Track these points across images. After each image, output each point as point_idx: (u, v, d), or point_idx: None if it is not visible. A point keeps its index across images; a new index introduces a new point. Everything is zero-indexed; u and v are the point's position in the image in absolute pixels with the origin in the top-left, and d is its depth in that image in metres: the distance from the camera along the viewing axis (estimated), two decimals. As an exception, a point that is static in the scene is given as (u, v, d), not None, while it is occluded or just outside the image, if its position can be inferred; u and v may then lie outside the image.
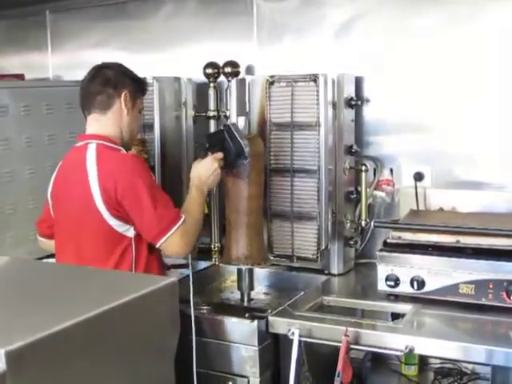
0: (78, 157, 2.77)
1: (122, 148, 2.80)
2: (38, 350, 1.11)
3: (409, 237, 2.83)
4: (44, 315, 1.25)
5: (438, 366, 3.13)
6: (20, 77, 4.05)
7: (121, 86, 2.80)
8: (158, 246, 2.67)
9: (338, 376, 2.46)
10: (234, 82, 3.32)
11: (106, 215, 2.65)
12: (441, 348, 2.46)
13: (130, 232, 2.70)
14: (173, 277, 1.45)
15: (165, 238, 2.63)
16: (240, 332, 2.69)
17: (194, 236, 2.73)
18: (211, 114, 3.49)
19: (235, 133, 2.87)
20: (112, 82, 2.80)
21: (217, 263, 3.47)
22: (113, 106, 2.80)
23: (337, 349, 2.51)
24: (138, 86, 2.89)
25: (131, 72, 2.89)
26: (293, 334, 2.58)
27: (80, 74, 3.85)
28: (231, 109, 3.33)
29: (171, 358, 1.38)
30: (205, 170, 2.83)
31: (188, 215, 2.71)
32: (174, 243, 2.65)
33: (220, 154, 2.85)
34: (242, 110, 3.27)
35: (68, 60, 4.24)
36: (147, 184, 2.68)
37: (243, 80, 3.34)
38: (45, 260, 3.12)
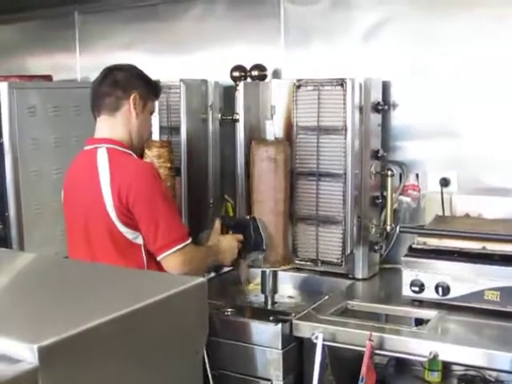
0: (88, 161, 2.76)
1: (132, 152, 2.78)
2: (69, 346, 1.13)
3: (434, 242, 2.81)
4: (75, 312, 1.27)
5: (462, 372, 3.10)
6: (48, 78, 4.08)
7: (130, 88, 2.78)
8: (158, 259, 2.68)
9: (362, 381, 2.46)
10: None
11: (116, 221, 2.65)
12: (465, 354, 2.44)
13: (140, 239, 2.69)
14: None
15: (165, 253, 2.65)
16: (264, 335, 2.69)
17: (195, 264, 2.74)
18: (237, 117, 3.49)
19: (259, 226, 3.02)
20: (121, 83, 2.78)
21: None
22: (121, 107, 2.78)
23: (360, 353, 2.50)
24: (149, 89, 2.87)
25: (143, 74, 2.88)
26: (317, 337, 2.58)
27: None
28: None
29: (199, 358, 1.39)
30: (225, 243, 2.99)
31: (198, 250, 2.82)
32: (172, 261, 2.67)
33: (240, 236, 3.02)
34: (269, 114, 3.28)
35: (96, 61, 4.23)
36: (161, 195, 2.69)
37: (269, 83, 3.36)
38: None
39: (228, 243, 2.99)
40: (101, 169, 2.68)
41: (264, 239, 3.00)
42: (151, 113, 2.95)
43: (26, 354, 1.09)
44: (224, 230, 3.07)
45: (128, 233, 2.67)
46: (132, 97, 2.77)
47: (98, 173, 2.67)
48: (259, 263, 3.07)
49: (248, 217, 3.08)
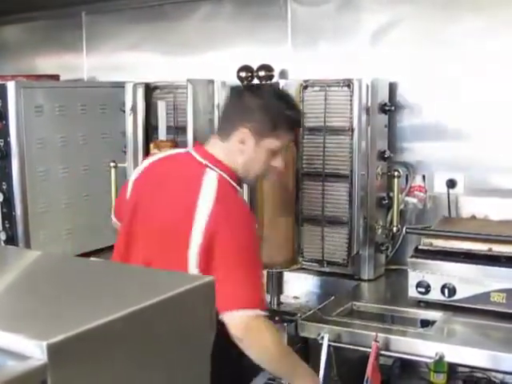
0: (191, 176, 2.51)
1: (238, 188, 2.55)
2: (78, 343, 1.13)
3: (441, 244, 2.81)
4: (84, 309, 1.27)
5: (467, 374, 3.10)
6: (55, 77, 4.09)
7: (247, 119, 2.51)
8: (220, 317, 2.26)
9: (367, 382, 2.46)
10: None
11: (191, 259, 2.36)
12: (471, 356, 2.45)
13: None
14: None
15: (232, 313, 2.30)
16: (269, 335, 2.69)
17: (265, 341, 2.38)
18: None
19: None
20: (246, 111, 2.53)
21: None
22: (231, 138, 2.53)
23: (366, 354, 2.51)
24: (273, 124, 2.52)
25: (279, 103, 2.57)
26: (322, 338, 2.58)
27: (114, 76, 3.92)
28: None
29: (207, 356, 1.39)
30: None
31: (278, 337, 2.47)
32: (237, 325, 2.31)
33: None
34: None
35: (103, 61, 4.27)
36: (250, 250, 2.40)
37: (277, 84, 3.36)
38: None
39: None
40: (204, 196, 2.40)
41: None
42: (274, 152, 2.57)
43: (35, 351, 1.09)
44: None
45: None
46: (244, 130, 2.51)
47: (198, 198, 2.39)
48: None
49: None
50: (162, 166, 2.68)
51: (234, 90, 2.67)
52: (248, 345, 2.36)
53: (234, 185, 2.53)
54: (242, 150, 2.52)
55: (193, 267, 2.36)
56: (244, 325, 2.32)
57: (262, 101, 2.56)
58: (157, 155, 2.79)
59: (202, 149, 2.60)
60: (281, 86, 3.31)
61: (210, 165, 2.51)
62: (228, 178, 2.50)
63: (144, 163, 2.76)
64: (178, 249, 2.38)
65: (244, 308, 2.31)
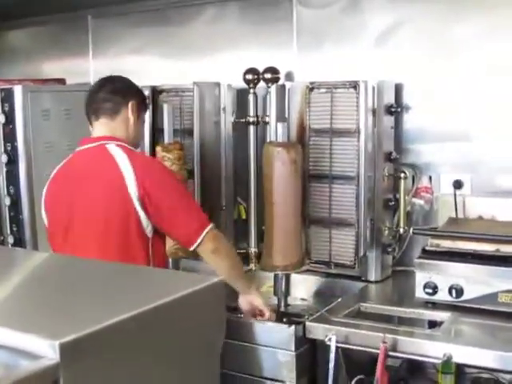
0: (98, 157, 2.81)
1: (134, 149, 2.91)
2: (90, 343, 1.14)
3: (448, 244, 2.81)
4: (95, 309, 1.27)
5: (475, 375, 3.09)
6: (61, 81, 4.11)
7: (129, 96, 2.90)
8: (192, 248, 2.72)
9: (376, 383, 2.46)
10: (273, 88, 3.35)
11: (141, 215, 2.67)
12: (478, 357, 2.45)
13: (149, 232, 2.73)
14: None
15: (201, 236, 2.69)
16: (277, 337, 2.69)
17: (224, 249, 2.81)
18: (250, 119, 3.50)
19: None
20: (121, 91, 2.90)
21: (254, 268, 3.47)
22: (121, 112, 2.87)
23: (374, 355, 2.51)
24: (142, 100, 3.00)
25: (137, 86, 3.01)
26: (330, 339, 2.58)
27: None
28: (271, 115, 3.35)
29: (217, 358, 1.39)
30: (255, 299, 2.93)
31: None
32: (209, 239, 2.70)
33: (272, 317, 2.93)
34: (282, 116, 3.28)
35: (109, 65, 4.26)
36: (180, 186, 2.83)
37: (283, 86, 3.36)
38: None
39: (256, 302, 2.92)
40: (121, 163, 2.71)
41: None
42: (143, 123, 3.11)
43: (48, 351, 1.10)
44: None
45: (147, 227, 2.70)
46: (130, 104, 2.88)
47: (117, 167, 2.70)
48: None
49: None
50: (70, 170, 2.92)
51: (100, 81, 2.97)
52: (224, 254, 2.80)
53: (132, 148, 2.87)
54: (134, 118, 2.90)
55: (144, 225, 2.70)
56: (212, 235, 2.73)
57: (130, 83, 2.98)
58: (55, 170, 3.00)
59: (88, 139, 2.92)
60: (287, 88, 3.33)
61: (104, 142, 2.81)
62: (125, 144, 2.83)
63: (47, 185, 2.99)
64: (125, 217, 2.69)
65: (206, 226, 2.71)
